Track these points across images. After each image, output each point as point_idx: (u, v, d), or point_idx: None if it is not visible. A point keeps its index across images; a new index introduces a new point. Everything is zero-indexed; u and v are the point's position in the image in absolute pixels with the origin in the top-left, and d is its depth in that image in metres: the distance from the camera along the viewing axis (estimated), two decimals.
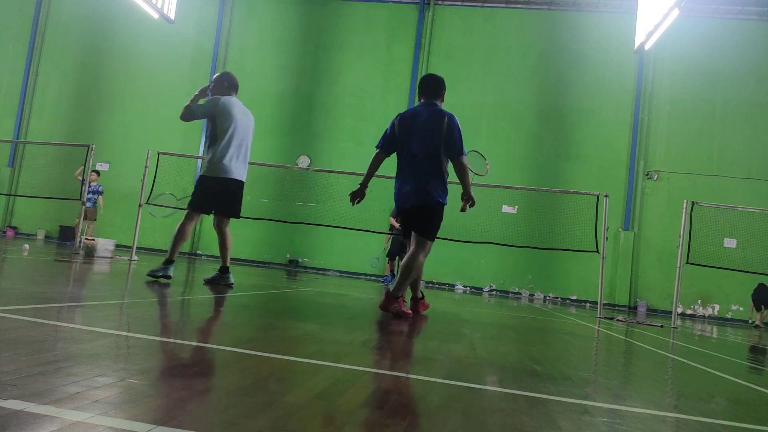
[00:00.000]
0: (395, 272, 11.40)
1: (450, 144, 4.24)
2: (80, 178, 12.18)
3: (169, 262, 5.21)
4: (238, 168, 5.23)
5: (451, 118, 4.28)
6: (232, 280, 5.44)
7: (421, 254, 4.34)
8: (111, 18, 16.54)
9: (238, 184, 5.29)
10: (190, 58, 16.25)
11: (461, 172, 4.33)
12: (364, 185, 4.52)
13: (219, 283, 5.39)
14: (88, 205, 12.25)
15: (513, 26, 15.22)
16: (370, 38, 15.55)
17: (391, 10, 15.67)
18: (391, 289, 4.30)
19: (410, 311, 4.43)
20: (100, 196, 12.71)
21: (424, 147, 4.25)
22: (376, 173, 4.54)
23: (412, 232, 4.40)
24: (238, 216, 5.42)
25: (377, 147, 4.51)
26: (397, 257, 11.13)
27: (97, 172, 12.83)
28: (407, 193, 4.30)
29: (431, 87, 4.47)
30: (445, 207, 4.45)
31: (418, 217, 4.33)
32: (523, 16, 15.22)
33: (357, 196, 4.50)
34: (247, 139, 5.36)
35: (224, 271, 5.40)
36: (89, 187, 12.38)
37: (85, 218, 12.23)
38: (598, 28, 14.83)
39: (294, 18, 16.02)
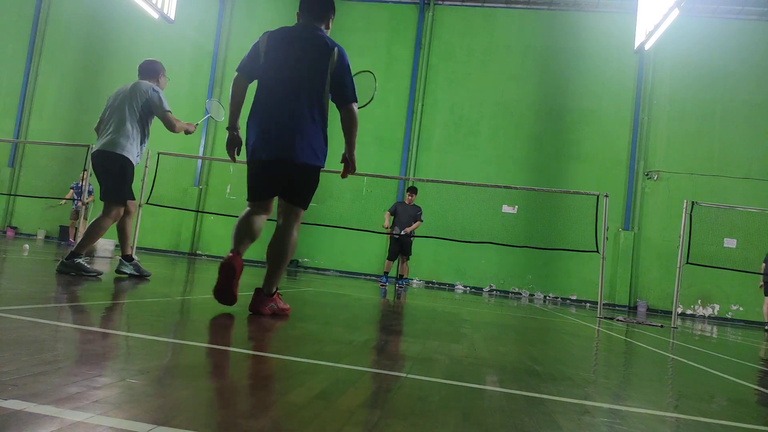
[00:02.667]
0: (399, 272, 11.19)
1: (340, 84, 3.30)
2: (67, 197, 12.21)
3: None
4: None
5: (341, 51, 3.33)
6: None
7: (296, 230, 3.40)
8: (111, 18, 16.55)
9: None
10: (190, 58, 16.25)
11: (350, 122, 3.35)
12: (233, 127, 3.43)
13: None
14: (75, 206, 12.28)
15: (513, 26, 15.22)
16: (370, 38, 15.55)
17: (391, 10, 15.67)
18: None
19: (288, 306, 3.58)
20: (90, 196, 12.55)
21: (300, 80, 3.26)
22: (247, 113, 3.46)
23: (279, 200, 3.40)
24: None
25: (237, 70, 3.39)
26: (407, 258, 10.91)
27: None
28: (272, 139, 3.24)
29: (316, 3, 3.46)
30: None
31: (295, 180, 3.30)
32: (523, 16, 15.22)
33: (234, 144, 3.45)
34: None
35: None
36: (80, 187, 12.42)
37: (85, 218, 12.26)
38: (598, 28, 14.83)
39: (294, 18, 16.01)
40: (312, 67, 3.28)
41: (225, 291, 3.24)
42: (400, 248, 10.59)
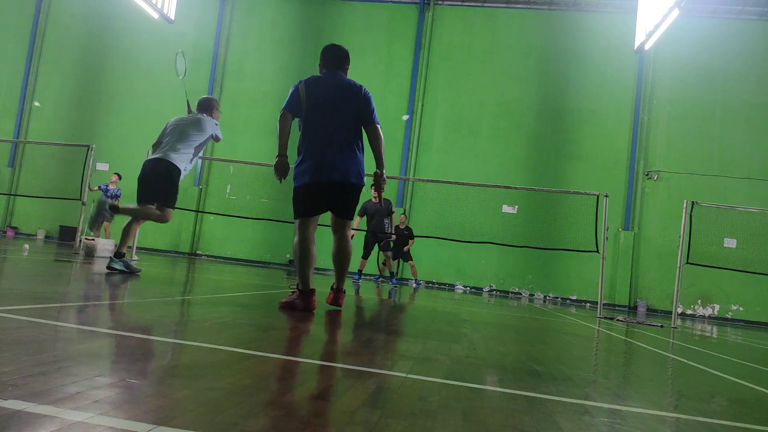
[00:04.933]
0: (392, 270, 11.44)
1: (366, 113, 4.07)
2: (94, 188, 12.18)
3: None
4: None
5: (365, 91, 4.13)
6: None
7: (350, 236, 4.24)
8: (111, 18, 16.54)
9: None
10: (190, 58, 16.18)
11: (375, 139, 4.11)
12: (284, 153, 4.00)
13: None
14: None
15: (513, 26, 15.22)
16: (370, 38, 15.55)
17: (391, 10, 15.66)
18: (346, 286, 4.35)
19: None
20: (117, 201, 12.55)
21: (342, 118, 4.01)
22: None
23: (332, 216, 4.14)
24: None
25: (284, 109, 4.01)
26: (389, 252, 11.17)
27: (119, 175, 12.68)
28: (329, 166, 3.92)
29: (338, 57, 4.22)
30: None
31: (346, 198, 4.05)
32: (523, 16, 15.22)
33: (281, 171, 4.03)
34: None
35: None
36: (108, 191, 12.44)
37: (106, 220, 12.32)
38: (598, 28, 14.83)
39: (294, 18, 16.02)
40: (348, 106, 4.03)
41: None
42: (379, 246, 10.80)
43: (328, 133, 3.95)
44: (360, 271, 11.25)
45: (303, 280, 3.93)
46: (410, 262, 12.23)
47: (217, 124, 6.02)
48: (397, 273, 12.60)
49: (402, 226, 12.04)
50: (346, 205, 4.09)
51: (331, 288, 4.36)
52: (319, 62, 4.25)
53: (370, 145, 4.15)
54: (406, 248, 12.09)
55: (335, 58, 4.20)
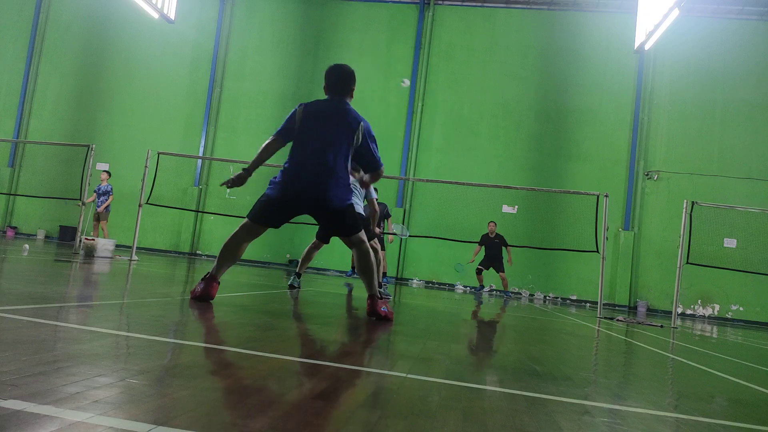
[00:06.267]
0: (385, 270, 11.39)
1: (367, 154, 3.95)
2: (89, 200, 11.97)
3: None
4: None
5: (366, 125, 3.93)
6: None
7: (367, 247, 4.04)
8: (111, 18, 16.54)
9: None
10: (190, 58, 16.25)
11: (372, 180, 4.22)
12: (249, 172, 3.88)
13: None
14: (97, 208, 12.13)
15: (513, 26, 15.22)
16: (370, 38, 15.55)
17: (391, 10, 15.66)
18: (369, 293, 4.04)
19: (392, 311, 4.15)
20: (109, 197, 12.34)
21: (329, 147, 3.79)
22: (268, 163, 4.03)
23: (342, 239, 4.04)
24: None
25: (276, 134, 3.91)
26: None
27: (108, 173, 12.50)
28: (305, 188, 3.78)
29: (340, 81, 3.96)
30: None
31: (339, 222, 3.90)
32: (523, 16, 15.22)
33: (236, 183, 3.85)
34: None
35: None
36: (100, 188, 12.26)
37: (97, 219, 12.17)
38: (598, 28, 14.83)
39: (294, 18, 16.02)
40: (340, 137, 3.84)
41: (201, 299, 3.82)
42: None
43: (316, 160, 3.76)
44: (353, 268, 11.20)
45: (216, 266, 3.86)
46: (502, 273, 11.88)
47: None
48: (482, 284, 12.53)
49: (492, 234, 11.78)
50: (339, 226, 3.92)
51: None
52: (324, 84, 4.01)
53: (367, 181, 4.22)
54: (507, 258, 11.73)
55: (339, 82, 3.96)
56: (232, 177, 3.82)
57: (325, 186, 3.75)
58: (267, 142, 3.87)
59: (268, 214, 3.83)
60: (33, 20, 16.83)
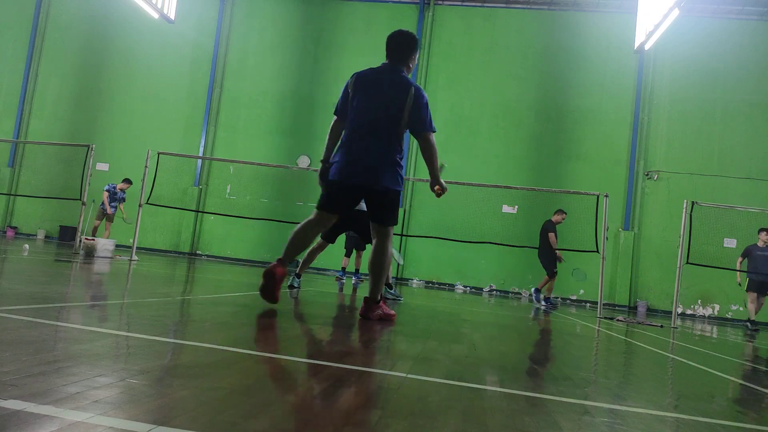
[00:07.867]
0: (359, 269, 11.08)
1: (416, 116, 3.70)
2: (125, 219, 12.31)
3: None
4: None
5: (418, 89, 3.73)
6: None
7: (389, 245, 3.85)
8: (111, 18, 16.54)
9: None
10: (190, 58, 16.25)
11: (428, 151, 3.81)
12: (326, 160, 3.89)
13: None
14: (112, 210, 12.38)
15: (513, 26, 15.22)
16: (370, 38, 15.54)
17: (391, 10, 15.66)
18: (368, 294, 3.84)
19: (393, 312, 4.01)
20: (121, 204, 12.68)
21: (381, 118, 3.69)
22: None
23: (372, 224, 3.84)
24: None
25: (336, 114, 3.88)
26: (354, 251, 10.99)
27: (129, 181, 12.68)
28: (358, 171, 3.70)
29: (398, 47, 3.82)
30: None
31: (380, 205, 3.76)
32: (523, 16, 15.22)
33: (321, 177, 3.91)
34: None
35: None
36: (117, 194, 12.52)
37: (108, 220, 12.39)
38: (598, 28, 14.83)
39: (294, 18, 16.02)
40: (392, 105, 3.69)
41: (267, 293, 3.84)
42: (355, 242, 10.71)
43: (365, 131, 3.68)
44: (343, 269, 11.15)
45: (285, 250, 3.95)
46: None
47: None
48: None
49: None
50: (378, 208, 3.77)
51: None
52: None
53: (422, 156, 3.88)
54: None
55: (397, 48, 3.81)
56: (318, 174, 3.92)
57: (377, 166, 3.66)
58: (331, 124, 3.90)
59: (330, 200, 3.81)
60: (33, 20, 16.83)
